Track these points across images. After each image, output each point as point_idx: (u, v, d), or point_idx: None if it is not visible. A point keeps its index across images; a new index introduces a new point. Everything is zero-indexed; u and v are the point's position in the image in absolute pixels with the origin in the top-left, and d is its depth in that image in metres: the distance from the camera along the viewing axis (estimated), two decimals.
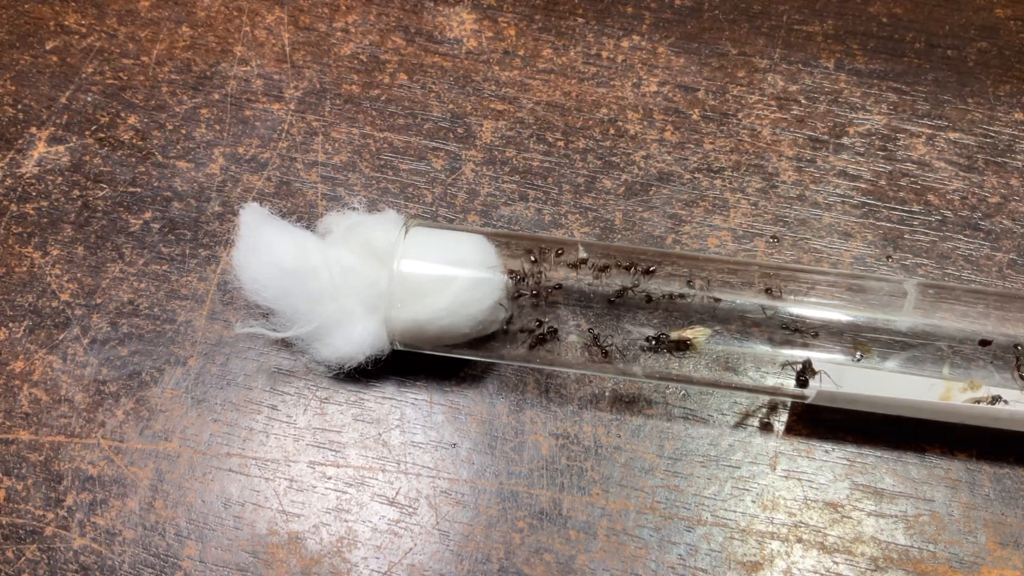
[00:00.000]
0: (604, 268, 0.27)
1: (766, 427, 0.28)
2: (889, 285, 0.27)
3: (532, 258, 0.27)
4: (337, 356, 0.27)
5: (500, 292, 0.27)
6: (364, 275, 0.27)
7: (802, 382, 0.26)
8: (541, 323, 0.27)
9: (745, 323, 0.27)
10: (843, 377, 0.26)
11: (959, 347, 0.26)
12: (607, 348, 0.27)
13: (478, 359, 0.28)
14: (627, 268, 0.27)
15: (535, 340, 0.27)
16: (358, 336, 0.27)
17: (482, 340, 0.27)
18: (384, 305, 0.26)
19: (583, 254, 0.27)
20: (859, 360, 0.26)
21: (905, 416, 0.27)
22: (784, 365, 0.26)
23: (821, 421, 0.28)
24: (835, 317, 0.27)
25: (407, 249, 0.27)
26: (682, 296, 0.27)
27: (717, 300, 0.27)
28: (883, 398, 0.26)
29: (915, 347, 0.26)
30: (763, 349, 0.27)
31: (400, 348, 0.28)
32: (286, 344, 0.29)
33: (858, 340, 0.26)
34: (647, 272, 0.27)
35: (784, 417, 0.28)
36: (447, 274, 0.26)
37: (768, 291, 0.27)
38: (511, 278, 0.27)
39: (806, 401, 0.27)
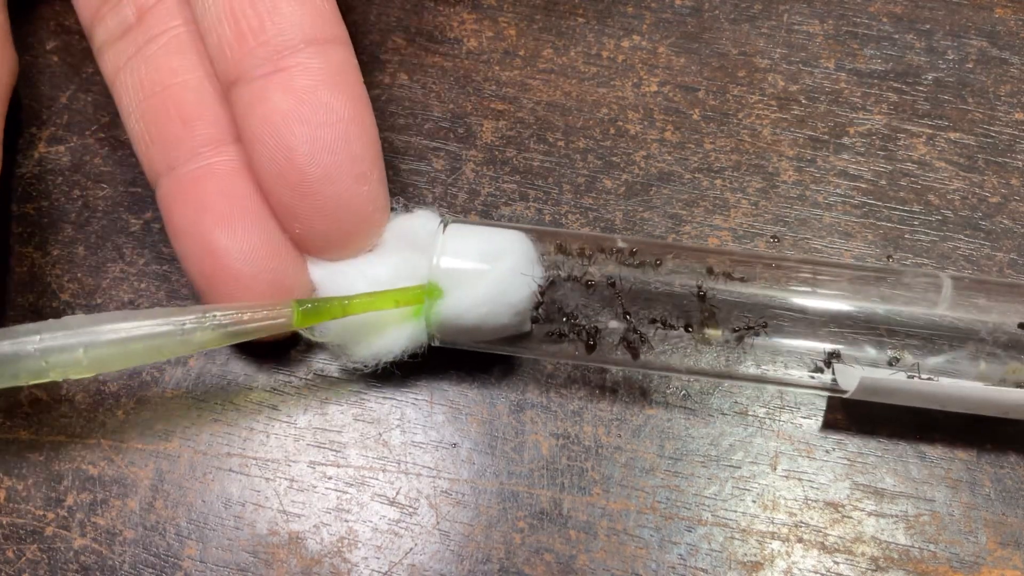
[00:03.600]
0: (656, 263, 0.27)
1: (766, 427, 0.28)
2: (924, 280, 0.27)
3: (573, 252, 0.27)
4: (373, 352, 0.27)
5: (540, 282, 0.27)
6: (404, 268, 0.27)
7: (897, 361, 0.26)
8: (571, 317, 0.27)
9: (782, 319, 0.27)
10: (878, 373, 0.26)
11: (997, 338, 0.26)
12: (640, 341, 0.27)
13: (519, 355, 0.28)
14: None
15: (577, 337, 0.27)
16: (394, 330, 0.27)
17: (522, 336, 0.27)
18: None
19: (621, 244, 0.27)
20: (895, 363, 0.26)
21: (951, 411, 0.27)
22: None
23: (821, 421, 0.28)
24: (868, 312, 0.27)
25: (445, 245, 0.27)
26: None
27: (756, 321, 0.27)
28: (930, 390, 0.26)
29: (951, 342, 0.26)
30: (797, 343, 0.27)
31: (438, 344, 0.28)
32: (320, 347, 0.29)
33: (892, 342, 0.26)
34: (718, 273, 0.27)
35: (785, 416, 0.28)
36: (486, 263, 0.26)
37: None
38: (552, 269, 0.27)
39: (845, 396, 0.26)
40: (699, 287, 0.27)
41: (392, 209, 0.28)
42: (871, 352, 0.26)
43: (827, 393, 0.28)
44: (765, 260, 0.28)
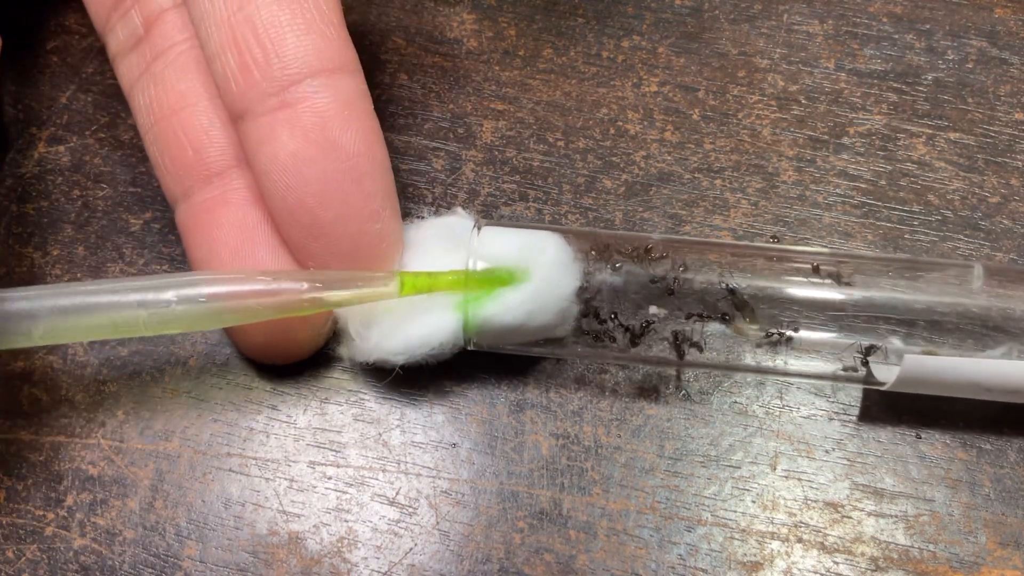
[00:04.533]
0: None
1: (766, 427, 0.28)
2: (955, 269, 0.27)
3: (611, 251, 0.27)
4: (407, 343, 0.26)
5: (580, 280, 0.27)
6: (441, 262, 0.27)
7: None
8: (615, 317, 0.27)
9: (814, 313, 0.27)
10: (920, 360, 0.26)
11: None
12: (691, 344, 0.27)
13: (558, 356, 0.28)
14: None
15: (621, 334, 0.27)
16: (432, 323, 0.26)
17: (559, 337, 0.27)
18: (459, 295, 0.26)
19: (655, 238, 0.28)
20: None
21: (998, 401, 0.27)
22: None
23: (821, 421, 0.28)
24: (899, 304, 0.27)
25: (481, 246, 0.26)
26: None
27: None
28: (981, 376, 0.25)
29: (983, 334, 0.26)
30: (830, 338, 0.27)
31: (473, 348, 0.27)
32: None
33: (923, 336, 0.26)
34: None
35: (784, 416, 0.28)
36: (525, 263, 0.26)
37: (837, 277, 0.27)
38: (592, 266, 0.27)
39: (883, 388, 0.26)
40: (727, 284, 0.27)
41: (420, 218, 0.28)
42: (901, 347, 0.26)
43: (863, 386, 0.28)
44: (792, 253, 0.28)
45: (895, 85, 0.34)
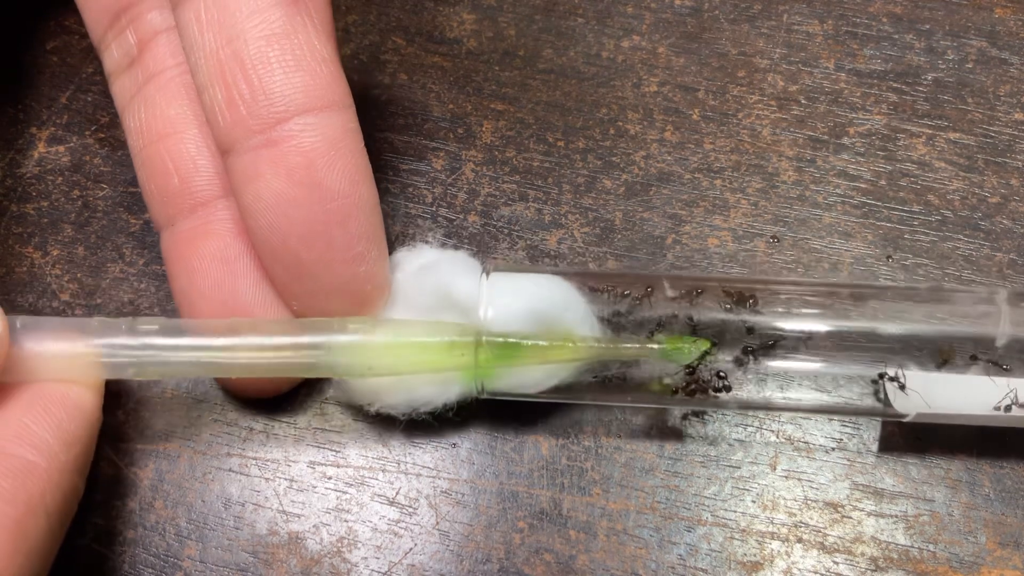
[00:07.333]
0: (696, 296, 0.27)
1: (766, 426, 0.28)
2: (979, 297, 0.27)
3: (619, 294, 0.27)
4: (410, 402, 0.26)
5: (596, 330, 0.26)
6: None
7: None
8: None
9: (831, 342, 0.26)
10: (932, 391, 0.26)
11: None
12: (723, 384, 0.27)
13: (572, 401, 0.28)
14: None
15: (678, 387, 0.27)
16: (438, 381, 0.26)
17: (585, 383, 0.27)
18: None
19: (670, 292, 0.27)
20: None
21: (1015, 428, 0.27)
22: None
23: (820, 421, 0.28)
24: (920, 334, 0.27)
25: (492, 299, 0.26)
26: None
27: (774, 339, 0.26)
28: (997, 420, 0.25)
29: (1009, 362, 0.26)
30: (847, 369, 0.27)
31: (486, 397, 0.27)
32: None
33: (942, 349, 0.26)
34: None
35: (784, 416, 0.28)
36: (539, 314, 0.26)
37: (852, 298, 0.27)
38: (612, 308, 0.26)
39: (904, 420, 0.26)
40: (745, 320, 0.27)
41: (426, 242, 0.28)
42: (922, 374, 0.26)
43: (881, 418, 0.28)
44: (810, 285, 0.27)
45: (895, 85, 0.34)
